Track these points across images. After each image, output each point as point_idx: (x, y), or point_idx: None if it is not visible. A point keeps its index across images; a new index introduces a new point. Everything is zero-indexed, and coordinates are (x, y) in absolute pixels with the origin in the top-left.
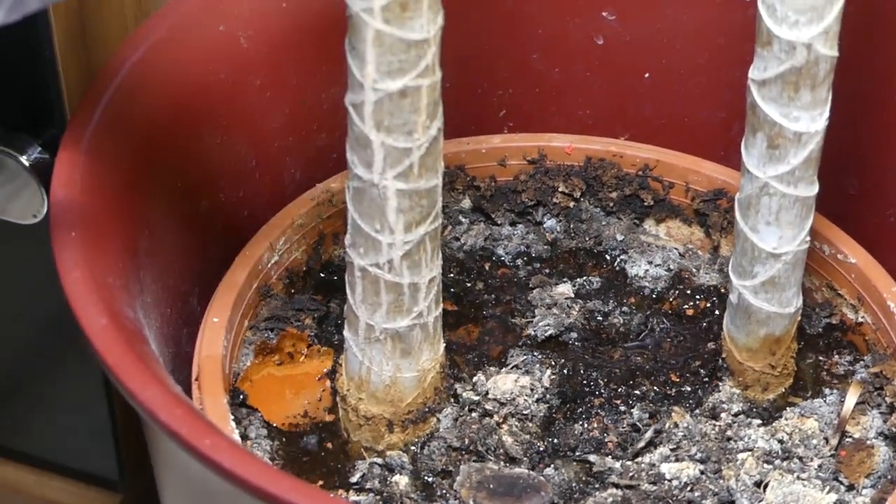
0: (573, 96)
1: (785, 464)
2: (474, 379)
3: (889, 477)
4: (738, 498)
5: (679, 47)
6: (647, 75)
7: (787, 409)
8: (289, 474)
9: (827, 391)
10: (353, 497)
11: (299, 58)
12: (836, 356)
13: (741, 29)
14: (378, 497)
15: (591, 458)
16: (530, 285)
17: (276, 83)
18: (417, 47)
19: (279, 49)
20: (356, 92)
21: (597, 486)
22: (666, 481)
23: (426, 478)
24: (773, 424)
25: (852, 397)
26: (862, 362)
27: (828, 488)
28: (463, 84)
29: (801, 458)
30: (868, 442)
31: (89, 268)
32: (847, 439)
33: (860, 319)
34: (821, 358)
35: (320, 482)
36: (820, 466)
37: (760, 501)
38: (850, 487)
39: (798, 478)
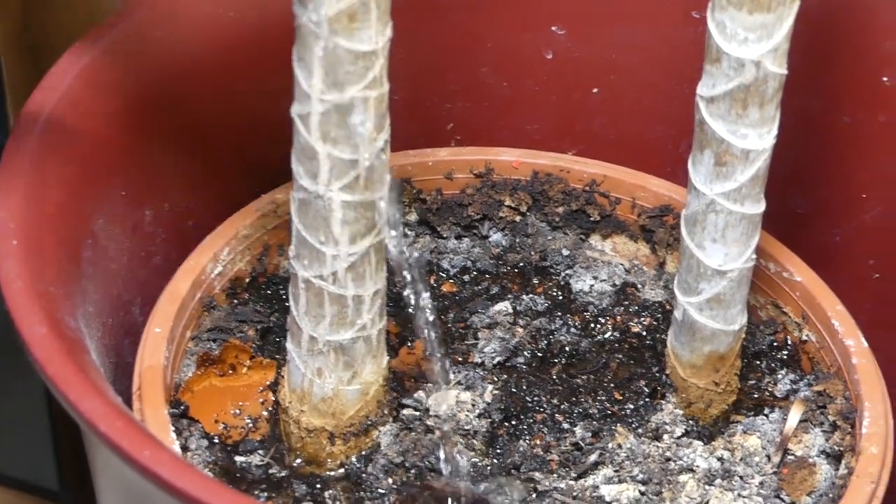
0: (521, 110)
1: (726, 482)
2: (415, 395)
3: (830, 495)
4: None
5: (628, 63)
6: (595, 91)
7: (730, 426)
8: (229, 487)
9: (770, 409)
10: None
11: (247, 68)
12: (780, 374)
13: (690, 46)
14: None
15: (537, 475)
16: (473, 305)
17: (223, 93)
18: (365, 59)
19: (226, 59)
20: (303, 103)
21: None
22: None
23: (367, 497)
24: (716, 442)
25: (795, 415)
26: (805, 380)
27: None
28: (411, 96)
29: (742, 477)
30: (810, 460)
31: (30, 277)
32: (789, 457)
33: (804, 337)
34: (765, 376)
35: (261, 495)
36: (761, 484)
37: None
38: None
39: (739, 496)
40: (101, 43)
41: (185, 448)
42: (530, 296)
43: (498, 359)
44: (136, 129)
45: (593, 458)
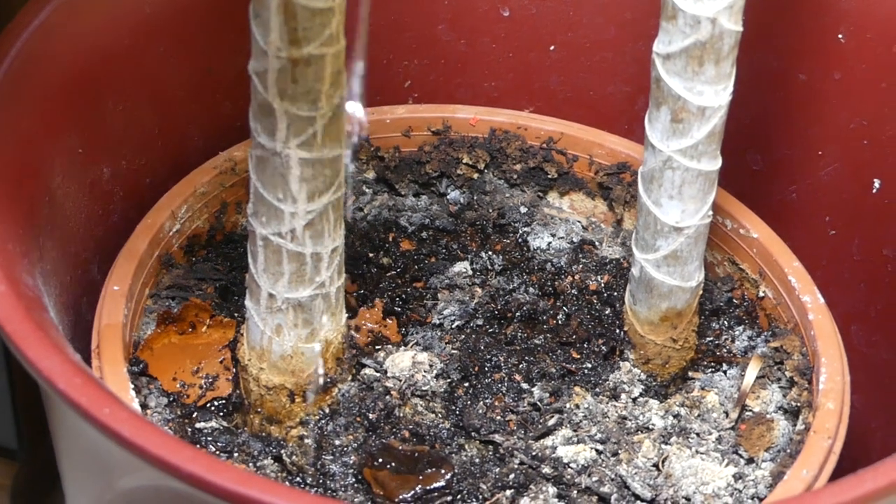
0: (478, 68)
1: (682, 439)
2: (375, 355)
3: (788, 451)
4: (631, 483)
5: (585, 21)
6: (552, 48)
7: (688, 383)
8: (188, 444)
9: (727, 365)
10: (252, 468)
11: (204, 25)
12: (738, 330)
13: (647, 3)
14: (278, 469)
15: (496, 437)
16: (431, 265)
17: (181, 50)
18: (322, 15)
19: (184, 16)
20: (260, 60)
21: (498, 464)
22: (563, 465)
23: (327, 456)
24: (673, 399)
25: (753, 371)
26: (763, 337)
27: (727, 461)
28: (368, 54)
29: (699, 433)
30: (768, 416)
31: None
32: (747, 413)
33: (762, 294)
34: (722, 332)
35: (220, 452)
36: (719, 440)
37: (656, 479)
38: (750, 461)
39: (697, 452)
40: (56, 0)
41: (144, 406)
42: (488, 254)
43: (457, 323)
44: (93, 86)
45: (552, 421)
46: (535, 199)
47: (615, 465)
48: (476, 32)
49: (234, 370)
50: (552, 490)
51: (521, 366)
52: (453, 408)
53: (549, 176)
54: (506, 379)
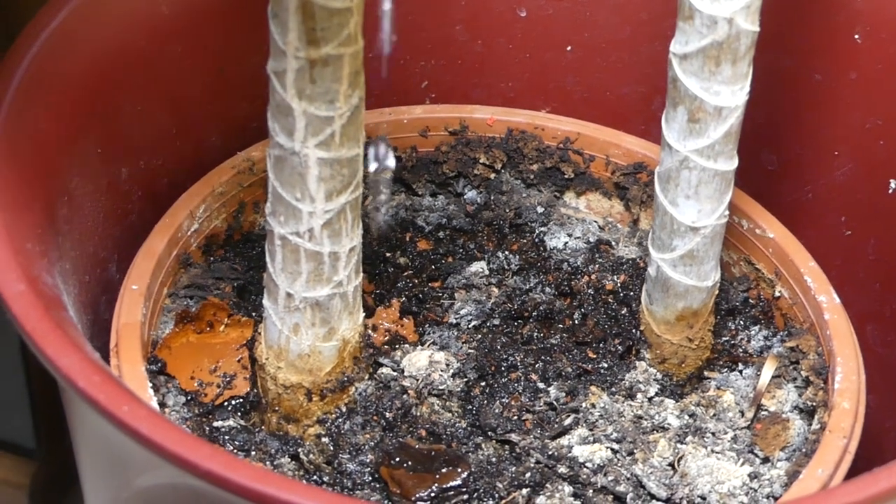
0: (495, 68)
1: (698, 439)
2: (392, 355)
3: (803, 450)
4: (646, 482)
5: (601, 21)
6: (569, 48)
7: (704, 382)
8: (207, 442)
9: (743, 365)
10: (269, 466)
11: (220, 25)
12: (753, 330)
13: (663, 3)
14: (295, 468)
15: (513, 437)
16: (448, 264)
17: (198, 50)
18: (340, 15)
19: (200, 16)
20: (278, 60)
21: (514, 463)
22: (579, 465)
23: (344, 454)
24: (689, 399)
25: (768, 371)
26: (778, 336)
27: (742, 461)
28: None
29: (714, 433)
30: (783, 415)
31: (7, 233)
32: (763, 413)
33: (777, 294)
34: (738, 332)
35: (237, 450)
36: (735, 439)
37: (671, 478)
38: (766, 460)
39: (712, 451)
40: (73, 2)
41: (162, 404)
42: (505, 253)
43: (474, 322)
44: (111, 87)
45: (568, 421)
46: (552, 199)
47: (631, 465)
48: (493, 33)
49: (251, 369)
50: (568, 489)
51: (537, 365)
52: (470, 407)
53: (566, 176)
54: (522, 378)
